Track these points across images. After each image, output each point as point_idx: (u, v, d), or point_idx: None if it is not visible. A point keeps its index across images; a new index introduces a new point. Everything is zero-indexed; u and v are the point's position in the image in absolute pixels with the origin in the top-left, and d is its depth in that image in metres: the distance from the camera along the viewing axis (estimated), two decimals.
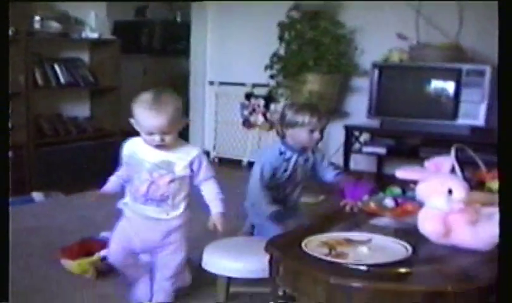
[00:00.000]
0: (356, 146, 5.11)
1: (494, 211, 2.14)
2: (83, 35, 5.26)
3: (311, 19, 5.26)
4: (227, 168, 6.02)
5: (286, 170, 3.11)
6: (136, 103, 2.51)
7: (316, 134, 3.12)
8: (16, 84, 4.65)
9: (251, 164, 5.97)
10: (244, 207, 3.19)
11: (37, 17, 4.84)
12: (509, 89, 1.60)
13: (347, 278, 1.81)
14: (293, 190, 3.17)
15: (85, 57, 5.52)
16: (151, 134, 2.49)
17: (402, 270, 1.86)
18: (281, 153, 3.12)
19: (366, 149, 5.02)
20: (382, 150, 4.91)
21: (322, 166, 3.25)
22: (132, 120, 2.54)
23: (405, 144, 4.83)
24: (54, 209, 4.34)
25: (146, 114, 2.47)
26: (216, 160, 6.36)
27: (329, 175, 3.21)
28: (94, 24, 5.29)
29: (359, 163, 5.26)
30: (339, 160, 5.05)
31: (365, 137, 5.16)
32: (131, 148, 2.62)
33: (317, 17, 5.25)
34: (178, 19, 7.99)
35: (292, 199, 3.18)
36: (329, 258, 1.92)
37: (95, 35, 5.29)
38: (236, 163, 6.14)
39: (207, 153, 6.44)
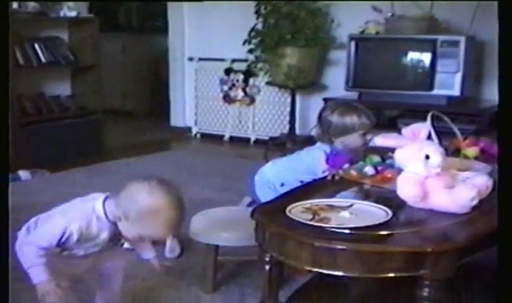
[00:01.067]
0: None
1: (469, 176, 2.27)
2: (61, 13, 5.27)
3: None
4: (209, 143, 6.11)
5: None
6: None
7: (369, 136, 2.95)
8: None
9: (232, 139, 6.11)
10: (254, 181, 3.15)
11: None
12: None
13: (331, 241, 1.90)
14: None
15: (65, 35, 5.53)
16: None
17: (383, 232, 1.94)
18: None
19: None
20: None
21: None
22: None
23: (383, 116, 4.91)
24: (41, 187, 4.39)
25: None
26: (198, 136, 6.44)
27: None
28: (72, 2, 5.30)
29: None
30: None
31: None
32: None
33: None
34: None
35: None
36: (312, 223, 2.02)
37: (73, 14, 5.30)
38: (218, 138, 6.22)
39: (189, 129, 6.52)
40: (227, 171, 4.81)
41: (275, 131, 5.87)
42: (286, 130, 5.63)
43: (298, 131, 5.60)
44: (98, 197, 2.16)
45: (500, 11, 1.71)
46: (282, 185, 2.95)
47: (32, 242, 2.08)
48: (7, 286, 1.65)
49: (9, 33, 4.60)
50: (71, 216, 2.10)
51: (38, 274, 2.04)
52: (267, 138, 5.79)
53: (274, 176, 3.04)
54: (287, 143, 5.42)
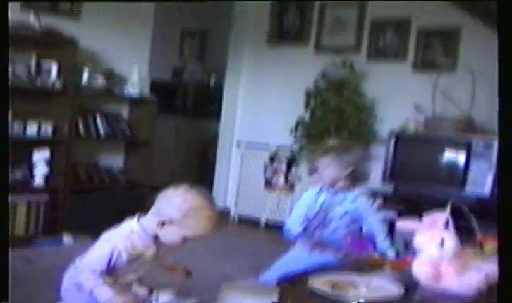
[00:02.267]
0: None
1: (480, 264, 2.44)
2: (125, 91, 5.58)
3: (336, 88, 5.61)
4: (246, 226, 6.27)
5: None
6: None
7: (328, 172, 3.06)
8: (59, 133, 5.02)
9: (268, 224, 6.27)
10: None
11: (86, 72, 5.18)
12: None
13: None
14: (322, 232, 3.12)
15: (125, 112, 5.85)
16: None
17: None
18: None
19: None
20: (392, 215, 5.11)
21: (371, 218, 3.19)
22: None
23: (415, 209, 5.05)
24: (82, 251, 4.59)
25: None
26: (236, 218, 6.63)
27: (382, 244, 3.09)
28: (136, 80, 5.60)
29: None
30: None
31: (378, 200, 5.41)
32: None
33: (342, 87, 5.61)
34: (212, 82, 8.38)
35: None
36: (330, 294, 2.21)
37: (136, 92, 5.60)
38: (254, 222, 6.39)
39: (228, 210, 6.74)
40: (258, 253, 4.97)
41: None
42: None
43: None
44: (132, 220, 2.34)
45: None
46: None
47: (85, 269, 2.22)
48: (7, 286, 1.75)
49: (74, 105, 5.00)
50: (114, 239, 2.26)
51: (102, 293, 2.17)
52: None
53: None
54: None
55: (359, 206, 3.19)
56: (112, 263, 2.22)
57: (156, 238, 2.29)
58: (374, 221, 3.24)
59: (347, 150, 3.19)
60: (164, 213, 2.23)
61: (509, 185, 1.75)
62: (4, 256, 1.68)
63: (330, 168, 3.07)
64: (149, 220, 2.28)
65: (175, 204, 2.23)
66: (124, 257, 2.23)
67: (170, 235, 2.25)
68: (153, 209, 2.28)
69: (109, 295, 2.17)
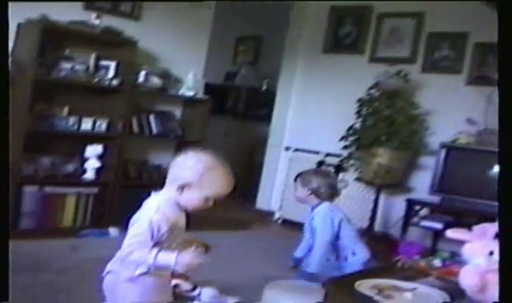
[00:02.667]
0: (415, 219, 5.35)
1: None
2: (180, 92, 5.66)
3: (389, 98, 5.61)
4: (289, 228, 6.28)
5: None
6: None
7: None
8: (113, 129, 5.14)
9: None
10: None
11: (143, 72, 5.29)
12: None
13: None
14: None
15: (178, 112, 5.95)
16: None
17: None
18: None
19: (424, 223, 5.24)
20: (438, 225, 5.09)
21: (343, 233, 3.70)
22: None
23: (462, 222, 5.03)
24: None
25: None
26: (280, 221, 6.68)
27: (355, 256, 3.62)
28: (191, 83, 5.69)
29: (416, 235, 5.49)
30: (398, 230, 5.32)
31: (424, 212, 5.39)
32: None
33: (395, 97, 5.60)
34: (264, 87, 8.46)
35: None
36: (376, 297, 2.23)
37: (190, 93, 5.68)
38: (298, 225, 6.40)
39: (272, 213, 6.79)
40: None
41: (355, 225, 5.99)
42: (365, 225, 5.76)
43: (376, 227, 5.77)
44: (152, 197, 2.34)
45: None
46: None
47: (132, 248, 2.20)
48: (7, 286, 1.73)
49: (130, 103, 5.11)
50: (146, 216, 2.25)
51: (165, 257, 2.15)
52: None
53: None
54: (363, 237, 5.56)
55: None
56: (154, 237, 2.20)
57: (179, 205, 2.29)
58: (346, 236, 3.67)
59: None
60: (181, 177, 2.23)
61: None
62: (4, 257, 1.67)
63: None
64: (168, 190, 2.28)
65: (189, 166, 2.23)
66: (164, 228, 2.22)
67: (191, 198, 2.25)
68: (168, 179, 2.29)
69: (173, 255, 2.16)
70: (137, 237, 2.22)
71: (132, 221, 2.31)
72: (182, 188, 2.23)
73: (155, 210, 2.24)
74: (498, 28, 1.85)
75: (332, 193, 3.78)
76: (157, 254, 2.15)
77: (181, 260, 2.15)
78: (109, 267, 2.36)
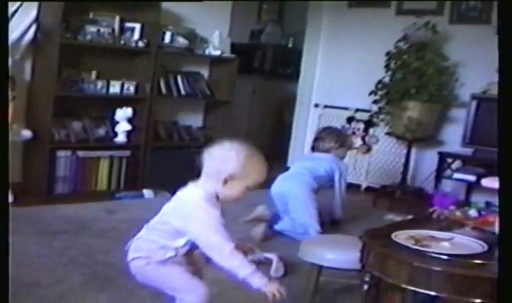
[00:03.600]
0: (448, 172, 5.31)
1: None
2: (206, 52, 5.66)
3: (417, 50, 5.52)
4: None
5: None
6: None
7: None
8: (142, 91, 5.16)
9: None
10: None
11: (168, 33, 5.29)
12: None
13: (428, 262, 2.11)
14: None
15: (205, 72, 5.95)
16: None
17: (478, 261, 2.14)
18: None
19: (457, 175, 5.21)
20: (472, 177, 5.06)
21: None
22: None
23: (494, 173, 4.97)
24: (161, 205, 4.71)
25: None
26: None
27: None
28: (217, 42, 5.69)
29: (449, 188, 5.44)
30: (430, 184, 5.29)
31: (457, 164, 5.36)
32: None
33: (423, 49, 5.51)
34: (290, 45, 8.39)
35: None
36: (414, 246, 2.23)
37: (217, 53, 5.68)
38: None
39: None
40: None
41: (387, 180, 5.99)
42: (397, 180, 5.76)
43: (409, 182, 5.74)
44: (191, 188, 2.32)
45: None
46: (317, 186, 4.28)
47: (225, 248, 2.19)
48: (7, 286, 1.66)
49: (157, 64, 5.11)
50: (197, 214, 2.25)
51: (257, 279, 2.17)
52: (378, 187, 5.95)
53: (309, 180, 4.28)
54: (396, 192, 5.57)
55: None
56: (223, 230, 2.22)
57: (218, 198, 2.29)
58: None
59: None
60: (224, 170, 2.23)
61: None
62: (4, 256, 1.59)
63: None
64: (207, 183, 2.28)
65: (231, 158, 2.23)
66: (223, 218, 2.24)
67: (234, 189, 2.26)
68: (207, 172, 2.27)
69: (263, 281, 2.19)
70: (215, 238, 2.21)
71: (183, 222, 2.30)
72: (225, 181, 2.24)
73: (206, 204, 2.25)
74: (498, 26, 1.88)
75: None
76: (253, 272, 2.18)
77: (269, 288, 2.17)
78: (133, 253, 2.42)
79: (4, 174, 1.63)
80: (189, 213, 2.28)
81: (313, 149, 4.66)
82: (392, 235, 2.33)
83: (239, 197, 2.30)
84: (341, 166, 4.54)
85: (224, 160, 2.24)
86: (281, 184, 4.30)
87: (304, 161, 4.67)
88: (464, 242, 2.34)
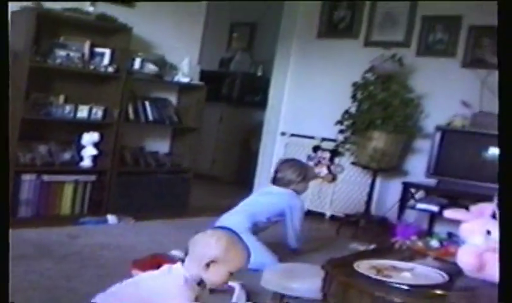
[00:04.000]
0: (411, 202, 5.37)
1: None
2: (175, 78, 5.66)
3: (384, 82, 5.61)
4: None
5: None
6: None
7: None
8: (109, 116, 5.14)
9: (309, 212, 6.30)
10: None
11: (138, 59, 5.29)
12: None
13: (389, 292, 2.14)
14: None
15: (173, 98, 5.94)
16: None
17: (438, 292, 2.17)
18: None
19: (420, 205, 5.26)
20: (435, 208, 5.10)
21: None
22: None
23: (458, 204, 5.04)
24: (125, 231, 4.68)
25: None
26: None
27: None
28: (186, 70, 5.70)
29: (412, 218, 5.51)
30: (394, 213, 5.36)
31: (420, 195, 5.42)
32: None
33: (389, 81, 5.60)
34: (259, 73, 8.48)
35: None
36: (375, 276, 2.26)
37: (186, 80, 5.69)
38: None
39: None
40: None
41: (351, 209, 6.04)
42: (362, 209, 5.78)
43: (373, 211, 5.78)
44: (175, 268, 2.36)
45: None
46: (254, 224, 4.11)
47: None
48: (7, 286, 1.72)
49: (125, 90, 5.12)
50: (177, 285, 2.30)
51: None
52: (342, 216, 5.98)
53: (244, 220, 4.04)
54: (360, 221, 5.61)
55: None
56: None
57: (199, 283, 2.36)
58: None
59: None
60: (206, 255, 2.30)
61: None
62: (5, 256, 1.67)
63: None
64: (191, 267, 2.34)
65: (213, 244, 2.31)
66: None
67: (217, 274, 2.32)
68: (191, 257, 2.34)
69: None
70: None
71: (150, 288, 2.34)
72: (208, 265, 2.31)
73: (184, 286, 2.30)
74: (498, 25, 1.89)
75: None
76: None
77: None
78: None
79: (4, 174, 1.67)
80: (166, 291, 2.31)
81: (274, 181, 4.49)
82: (354, 265, 2.36)
83: (222, 281, 2.37)
84: (296, 203, 4.37)
85: (206, 245, 2.32)
86: (222, 221, 4.15)
87: (258, 195, 4.62)
88: (426, 272, 2.38)
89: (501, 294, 1.71)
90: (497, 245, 2.31)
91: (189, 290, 2.30)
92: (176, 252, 3.73)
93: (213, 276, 2.33)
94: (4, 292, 1.62)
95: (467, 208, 2.57)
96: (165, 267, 2.41)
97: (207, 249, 2.31)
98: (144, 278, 2.44)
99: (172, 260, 3.30)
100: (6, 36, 1.88)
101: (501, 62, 1.88)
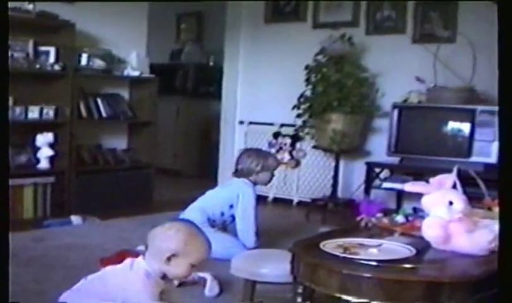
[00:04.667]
0: (377, 182, 5.35)
1: (490, 222, 2.45)
2: (125, 72, 5.59)
3: (336, 63, 5.59)
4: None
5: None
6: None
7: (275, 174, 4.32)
8: (62, 115, 5.04)
9: (276, 199, 6.31)
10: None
11: (84, 55, 5.20)
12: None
13: (358, 269, 2.12)
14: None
15: (125, 93, 5.87)
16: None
17: (407, 266, 2.15)
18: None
19: (385, 184, 5.25)
20: (400, 186, 4.98)
21: None
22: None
23: (422, 180, 5.06)
24: (91, 231, 4.63)
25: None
26: None
27: None
28: (135, 63, 5.63)
29: (379, 198, 5.51)
30: (360, 195, 5.35)
31: (385, 174, 5.40)
32: None
33: (342, 62, 5.58)
34: (211, 63, 8.40)
35: None
36: (342, 254, 2.23)
37: (136, 73, 5.62)
38: (262, 199, 6.36)
39: None
40: (267, 227, 4.97)
41: (318, 194, 6.03)
42: (328, 193, 5.78)
43: (340, 194, 5.77)
44: (136, 263, 2.33)
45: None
46: (209, 219, 4.03)
47: None
48: (7, 285, 1.72)
49: (75, 87, 5.00)
50: (139, 283, 2.27)
51: None
52: (309, 200, 5.96)
53: (198, 216, 3.88)
54: (328, 205, 5.60)
55: None
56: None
57: (163, 277, 2.33)
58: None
59: None
60: (166, 248, 2.26)
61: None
62: (4, 257, 1.68)
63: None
64: (152, 263, 2.30)
65: (172, 237, 2.27)
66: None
67: (178, 267, 2.29)
68: (151, 252, 2.30)
69: None
70: None
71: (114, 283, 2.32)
72: (169, 259, 2.26)
73: (144, 288, 2.27)
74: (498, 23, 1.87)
75: None
76: None
77: None
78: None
79: (4, 175, 1.72)
80: (129, 286, 2.28)
81: (235, 172, 4.33)
82: (321, 245, 2.32)
83: (185, 274, 2.34)
84: (246, 191, 4.15)
85: (165, 238, 2.27)
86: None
87: (217, 189, 4.54)
88: (393, 248, 2.36)
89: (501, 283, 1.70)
90: (462, 216, 2.34)
91: (152, 284, 2.27)
92: (142, 248, 3.65)
93: (175, 270, 2.29)
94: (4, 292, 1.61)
95: (428, 182, 2.56)
96: (127, 261, 2.36)
97: (166, 243, 2.27)
98: (108, 273, 2.39)
99: (140, 255, 3.27)
100: (6, 36, 1.88)
101: (502, 61, 1.85)
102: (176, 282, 2.95)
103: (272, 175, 4.36)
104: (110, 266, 2.50)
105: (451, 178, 2.50)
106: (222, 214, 4.15)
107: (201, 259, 2.33)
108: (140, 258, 2.33)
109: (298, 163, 6.22)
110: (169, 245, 2.26)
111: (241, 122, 6.80)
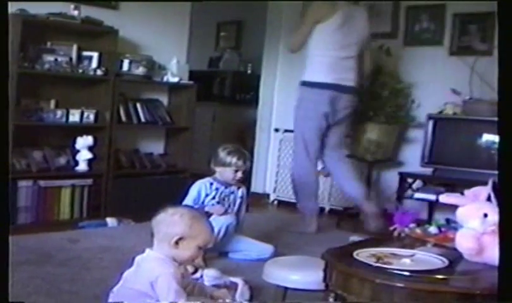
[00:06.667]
0: (409, 192, 5.37)
1: None
2: (165, 79, 5.67)
3: (372, 73, 5.63)
4: (285, 209, 6.32)
5: (213, 198, 4.07)
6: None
7: (239, 174, 4.05)
8: (102, 119, 5.15)
9: None
10: None
11: (126, 61, 5.30)
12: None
13: (390, 279, 2.16)
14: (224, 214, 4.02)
15: (164, 99, 5.94)
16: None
17: (439, 276, 2.19)
18: (211, 184, 4.08)
19: (417, 195, 5.26)
20: (432, 196, 5.09)
21: (242, 206, 4.21)
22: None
23: (455, 192, 5.07)
24: (126, 233, 4.68)
25: None
26: (275, 202, 6.70)
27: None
28: (175, 69, 5.72)
29: (411, 208, 5.50)
30: (392, 206, 5.36)
31: (417, 184, 5.40)
32: None
33: (378, 72, 5.63)
34: (248, 71, 8.48)
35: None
36: (376, 264, 2.27)
37: (175, 80, 5.69)
38: (293, 206, 6.41)
39: (267, 195, 6.83)
40: (297, 234, 5.02)
41: (350, 202, 6.02)
42: None
43: None
44: (146, 254, 2.43)
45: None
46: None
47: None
48: (7, 285, 1.72)
49: (115, 92, 5.11)
50: (163, 265, 2.35)
51: None
52: (341, 209, 5.98)
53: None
54: (359, 214, 5.61)
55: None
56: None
57: (175, 260, 2.40)
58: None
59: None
60: (173, 232, 2.36)
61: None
62: (4, 257, 1.67)
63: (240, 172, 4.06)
64: (161, 248, 2.39)
65: (177, 221, 2.37)
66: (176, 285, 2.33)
67: (187, 249, 2.38)
68: (158, 238, 2.40)
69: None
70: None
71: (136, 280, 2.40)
72: (176, 243, 2.35)
73: (164, 261, 2.36)
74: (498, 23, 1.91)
75: None
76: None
77: None
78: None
79: (4, 175, 1.68)
80: (152, 274, 2.34)
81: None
82: (354, 254, 2.37)
83: (193, 256, 2.45)
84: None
85: (170, 223, 2.38)
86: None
87: None
88: (425, 258, 2.39)
89: (501, 277, 1.73)
90: (496, 228, 2.36)
91: (171, 266, 2.34)
92: None
93: (184, 253, 2.38)
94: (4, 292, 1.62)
95: (463, 194, 2.59)
96: (137, 259, 2.46)
97: (172, 227, 2.36)
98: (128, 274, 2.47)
99: None
100: (6, 36, 1.87)
101: (501, 61, 1.89)
102: (190, 269, 3.06)
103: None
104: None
105: (485, 190, 2.53)
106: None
107: (207, 241, 2.43)
108: (147, 251, 2.43)
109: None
110: (175, 230, 2.35)
111: (277, 130, 6.85)
